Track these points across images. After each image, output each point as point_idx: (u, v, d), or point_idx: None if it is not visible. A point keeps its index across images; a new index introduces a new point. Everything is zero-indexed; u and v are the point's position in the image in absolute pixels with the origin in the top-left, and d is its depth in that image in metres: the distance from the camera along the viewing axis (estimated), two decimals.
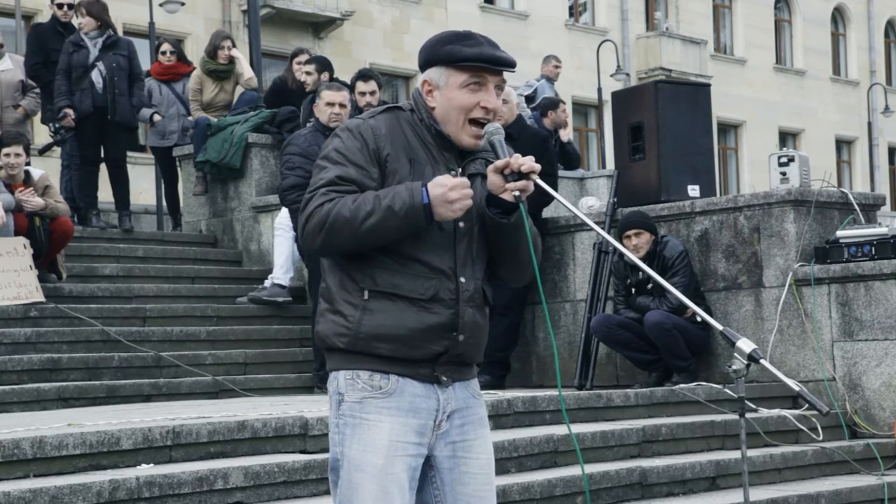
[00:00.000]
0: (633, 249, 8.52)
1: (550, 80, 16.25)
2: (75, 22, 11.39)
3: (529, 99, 15.86)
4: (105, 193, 12.14)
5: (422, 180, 3.38)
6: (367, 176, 3.38)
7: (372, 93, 9.73)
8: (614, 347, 8.94)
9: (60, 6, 11.82)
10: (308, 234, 3.37)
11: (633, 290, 8.71)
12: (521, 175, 3.37)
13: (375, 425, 3.39)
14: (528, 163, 3.37)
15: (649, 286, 8.58)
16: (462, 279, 3.44)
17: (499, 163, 3.39)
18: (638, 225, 8.67)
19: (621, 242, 8.54)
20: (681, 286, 8.41)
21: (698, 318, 8.47)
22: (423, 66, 3.51)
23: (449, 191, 3.30)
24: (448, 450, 3.49)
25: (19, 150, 9.57)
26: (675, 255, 8.62)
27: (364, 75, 9.99)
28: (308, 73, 10.88)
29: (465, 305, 3.44)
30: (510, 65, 3.46)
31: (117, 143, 11.64)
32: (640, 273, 8.56)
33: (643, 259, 8.50)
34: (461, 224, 3.45)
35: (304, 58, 11.09)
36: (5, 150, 9.52)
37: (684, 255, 8.69)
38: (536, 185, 3.39)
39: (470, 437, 3.52)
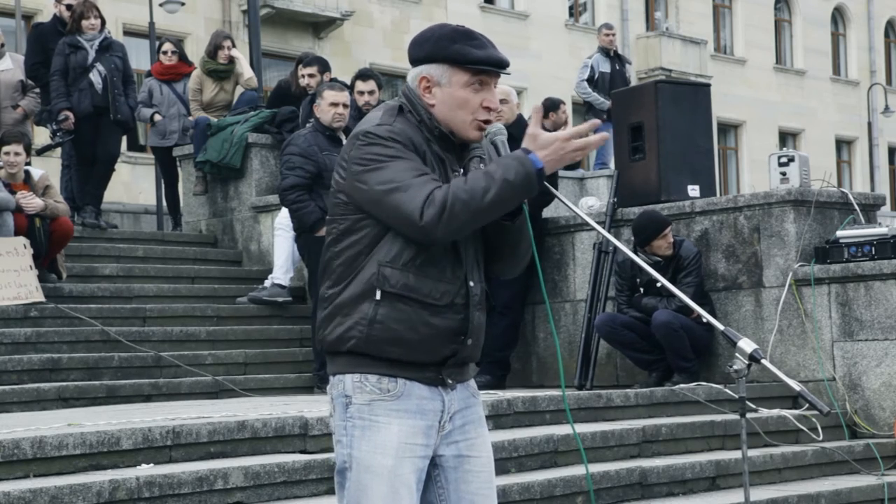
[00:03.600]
0: (668, 246, 8.68)
1: (606, 50, 16.10)
2: (86, 24, 11.32)
3: (590, 80, 15.75)
4: (107, 192, 12.16)
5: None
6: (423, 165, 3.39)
7: (371, 92, 9.73)
8: (617, 347, 8.96)
9: (69, 6, 11.75)
10: (431, 223, 3.28)
11: (642, 290, 8.72)
12: None
13: (385, 427, 3.39)
14: None
15: (658, 285, 8.61)
16: (471, 283, 3.45)
17: None
18: (669, 222, 8.80)
19: (652, 242, 8.65)
20: (692, 286, 8.59)
21: (703, 319, 8.51)
22: (422, 60, 3.47)
23: (563, 143, 3.33)
24: (452, 449, 3.50)
25: (19, 148, 9.58)
26: (691, 256, 8.74)
27: (363, 75, 9.98)
28: (311, 76, 10.86)
29: (474, 309, 3.46)
30: (508, 66, 3.48)
31: (112, 142, 11.65)
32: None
33: (670, 255, 8.66)
34: None
35: (312, 69, 10.94)
36: (5, 149, 9.52)
37: (699, 257, 8.82)
38: None
39: (471, 435, 3.54)
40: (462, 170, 3.49)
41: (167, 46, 12.83)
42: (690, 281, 8.61)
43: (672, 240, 8.74)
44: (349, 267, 3.43)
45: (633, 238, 8.91)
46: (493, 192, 3.26)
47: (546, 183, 3.39)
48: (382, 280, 3.37)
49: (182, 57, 12.85)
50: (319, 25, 28.45)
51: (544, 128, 11.85)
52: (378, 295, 3.37)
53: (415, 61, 3.49)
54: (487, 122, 3.45)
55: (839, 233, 8.79)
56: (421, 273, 3.38)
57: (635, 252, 8.71)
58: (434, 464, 3.49)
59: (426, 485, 3.50)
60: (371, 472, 3.37)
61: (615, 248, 8.85)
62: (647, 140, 9.46)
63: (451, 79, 3.43)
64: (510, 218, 3.42)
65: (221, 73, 12.22)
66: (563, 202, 3.56)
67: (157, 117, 12.37)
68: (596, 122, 3.36)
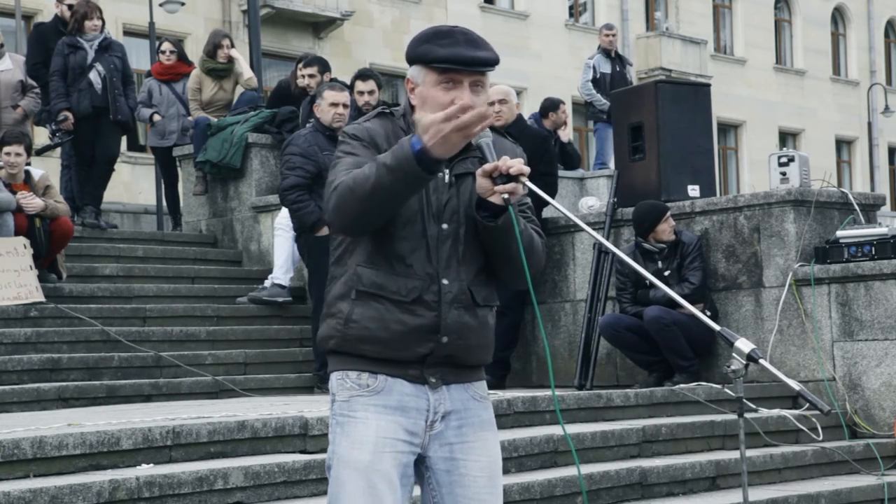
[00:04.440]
0: (671, 231, 8.82)
1: (607, 50, 16.03)
2: (89, 24, 11.32)
3: (596, 82, 15.68)
4: (107, 192, 12.17)
5: None
6: None
7: (370, 92, 9.73)
8: (621, 349, 8.98)
9: (70, 6, 11.74)
10: (329, 215, 3.37)
11: (648, 282, 8.73)
12: (509, 178, 3.33)
13: (362, 422, 3.40)
14: (516, 165, 3.33)
15: (667, 273, 8.66)
16: (445, 281, 3.43)
17: (487, 166, 3.35)
18: (668, 207, 8.92)
19: (656, 228, 8.74)
20: (700, 269, 8.76)
21: (707, 312, 8.57)
22: (408, 63, 3.52)
23: (440, 124, 3.19)
24: (444, 451, 3.49)
25: (20, 149, 9.59)
26: (694, 242, 8.87)
27: (363, 75, 10.00)
28: (311, 76, 10.86)
29: (449, 307, 3.42)
30: (485, 64, 3.43)
31: (112, 142, 11.68)
32: (659, 262, 8.70)
33: (674, 242, 8.78)
34: (444, 226, 3.44)
35: (313, 70, 10.95)
36: (6, 150, 9.53)
37: (700, 242, 8.92)
38: (528, 187, 3.38)
39: (469, 439, 3.51)
40: (448, 170, 3.48)
41: (166, 46, 12.84)
42: (698, 265, 8.76)
43: (673, 223, 8.85)
44: (337, 266, 3.50)
45: (633, 234, 8.93)
46: (374, 178, 3.25)
47: (533, 185, 3.38)
48: (357, 280, 3.42)
49: (181, 57, 12.85)
50: (319, 25, 28.45)
51: (544, 128, 11.78)
52: (353, 294, 3.42)
53: (407, 63, 3.54)
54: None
55: (839, 233, 8.79)
56: (390, 270, 3.40)
57: (638, 244, 8.77)
58: (426, 465, 3.49)
59: (421, 486, 3.51)
60: (349, 468, 3.38)
61: (635, 242, 8.95)
62: (647, 140, 9.46)
63: (424, 79, 3.45)
64: (493, 219, 3.40)
65: (220, 71, 12.22)
66: (554, 206, 3.55)
67: (157, 117, 12.38)
68: (466, 103, 3.21)
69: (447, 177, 3.47)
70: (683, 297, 8.58)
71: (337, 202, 3.32)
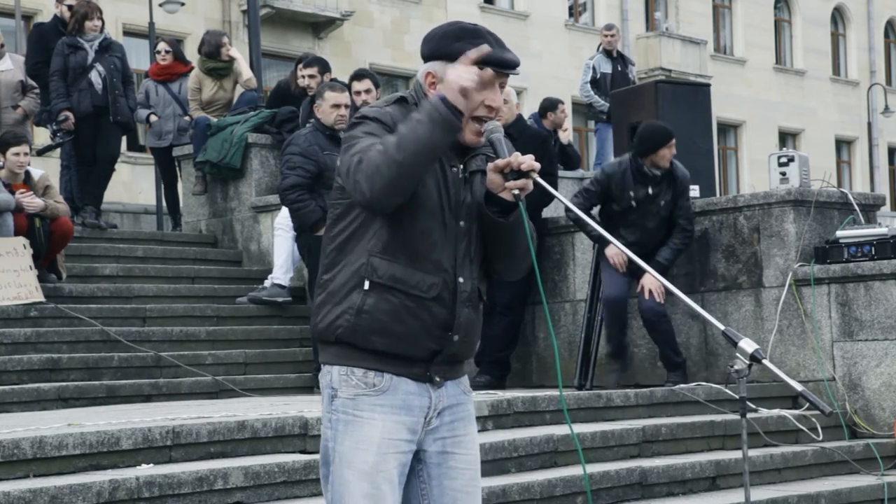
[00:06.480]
0: (671, 158, 8.56)
1: (608, 51, 15.95)
2: (89, 24, 11.33)
3: (595, 83, 15.61)
4: (107, 192, 12.17)
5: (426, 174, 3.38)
6: None
7: (367, 91, 9.74)
8: (657, 339, 8.77)
9: (70, 7, 11.73)
10: (357, 185, 3.29)
11: (635, 203, 8.53)
12: (520, 173, 3.35)
13: (368, 422, 3.40)
14: (528, 161, 3.35)
15: (662, 203, 8.50)
16: (460, 279, 3.44)
17: (499, 162, 3.37)
18: (673, 135, 8.58)
19: (658, 152, 8.46)
20: (692, 212, 8.77)
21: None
22: (428, 57, 3.49)
23: (461, 75, 3.29)
24: (438, 445, 3.51)
25: (27, 149, 9.62)
26: (687, 178, 8.74)
27: (358, 75, 10.03)
28: (311, 77, 10.86)
29: (462, 306, 3.45)
30: (516, 67, 3.45)
31: (112, 142, 11.68)
32: (650, 188, 8.53)
33: (668, 171, 8.54)
34: (462, 223, 3.45)
35: (313, 70, 10.94)
36: (14, 150, 9.53)
37: (689, 181, 8.80)
38: (536, 183, 3.38)
39: (459, 432, 3.54)
40: (463, 165, 3.48)
41: (161, 46, 12.84)
42: (687, 205, 8.67)
43: (675, 152, 8.60)
44: (340, 252, 3.45)
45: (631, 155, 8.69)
46: (408, 133, 3.25)
47: (544, 182, 3.39)
48: (371, 270, 3.39)
49: (178, 57, 12.83)
50: (319, 25, 28.45)
51: (543, 128, 11.71)
52: (366, 285, 3.38)
53: (423, 57, 3.52)
54: (486, 119, 3.44)
55: (839, 233, 8.79)
56: (410, 264, 3.38)
57: (633, 164, 8.58)
58: (417, 458, 3.50)
59: (409, 478, 3.51)
60: (353, 468, 3.38)
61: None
62: None
63: None
64: (504, 215, 3.41)
65: (221, 70, 12.21)
66: (561, 202, 3.55)
67: (153, 118, 12.38)
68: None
69: (460, 173, 3.47)
70: (683, 247, 8.58)
71: (368, 169, 3.27)
